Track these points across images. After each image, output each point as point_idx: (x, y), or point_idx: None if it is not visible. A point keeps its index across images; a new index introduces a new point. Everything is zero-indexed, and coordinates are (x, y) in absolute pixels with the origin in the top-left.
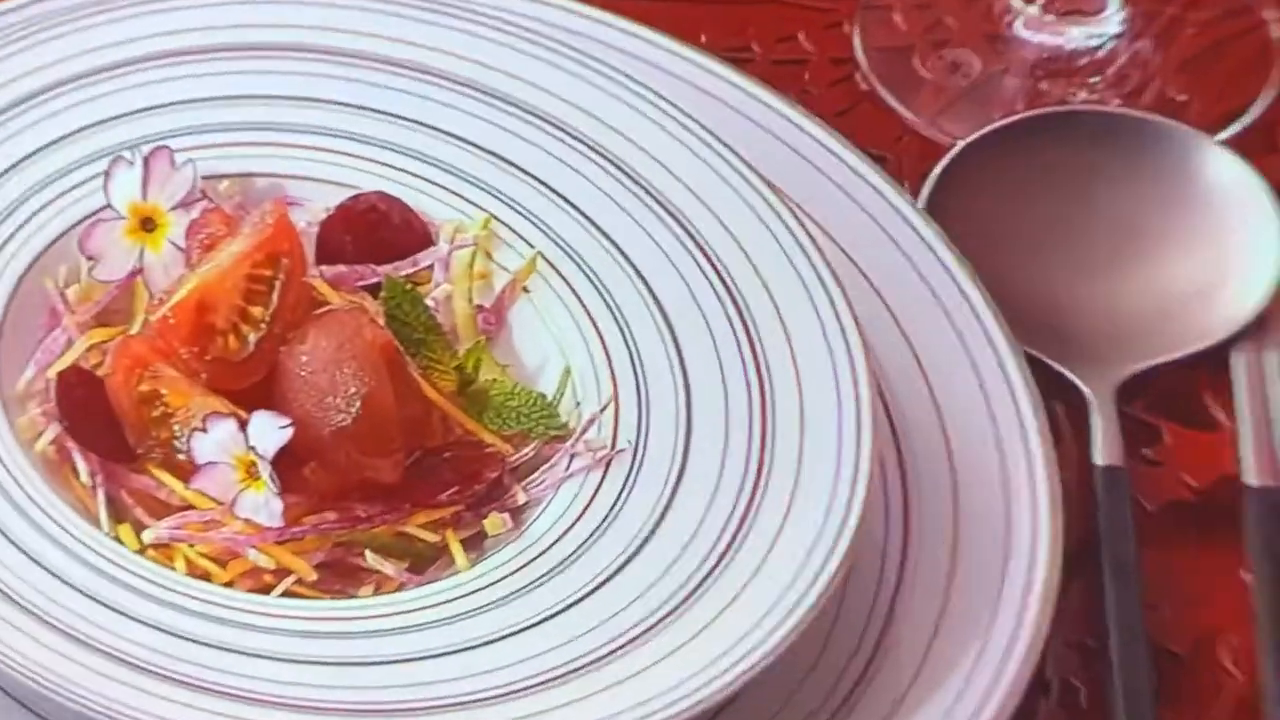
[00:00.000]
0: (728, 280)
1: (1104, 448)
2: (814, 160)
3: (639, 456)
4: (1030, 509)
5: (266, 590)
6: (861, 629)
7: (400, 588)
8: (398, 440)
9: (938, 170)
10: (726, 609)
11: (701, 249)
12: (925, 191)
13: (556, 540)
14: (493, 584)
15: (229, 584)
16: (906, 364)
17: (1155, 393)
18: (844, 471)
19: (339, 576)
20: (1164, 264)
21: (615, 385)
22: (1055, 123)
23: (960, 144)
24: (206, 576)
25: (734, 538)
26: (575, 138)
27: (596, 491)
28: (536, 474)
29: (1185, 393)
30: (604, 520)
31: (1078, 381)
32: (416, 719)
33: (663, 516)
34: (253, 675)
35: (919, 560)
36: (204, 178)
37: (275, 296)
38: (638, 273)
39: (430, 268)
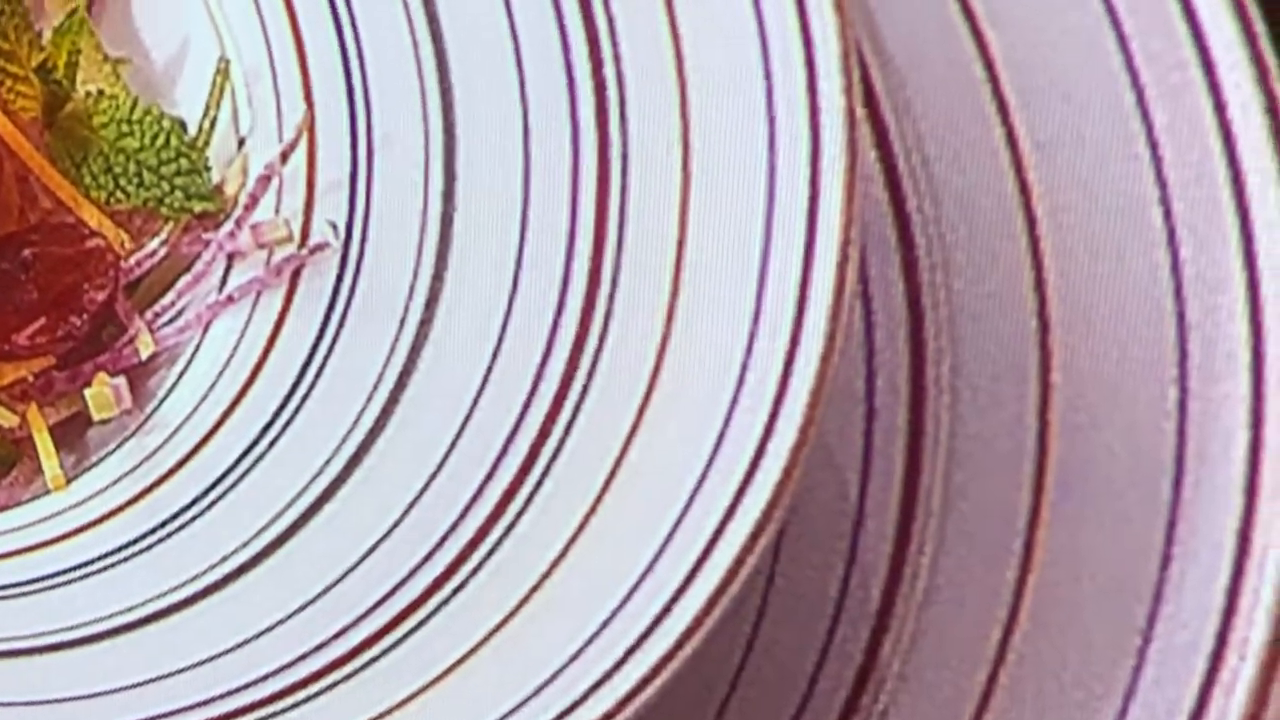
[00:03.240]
0: None
1: None
2: None
3: (355, 260)
4: None
5: None
6: None
7: None
8: None
9: None
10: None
11: None
12: None
13: (206, 436)
14: (103, 518)
15: None
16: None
17: None
18: (772, 295)
19: None
20: None
21: (311, 101)
22: None
23: None
24: None
25: (545, 430)
26: None
27: (275, 332)
28: (171, 295)
29: None
30: (291, 395)
31: None
32: None
33: (399, 390)
34: None
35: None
36: None
37: None
38: None
39: None
